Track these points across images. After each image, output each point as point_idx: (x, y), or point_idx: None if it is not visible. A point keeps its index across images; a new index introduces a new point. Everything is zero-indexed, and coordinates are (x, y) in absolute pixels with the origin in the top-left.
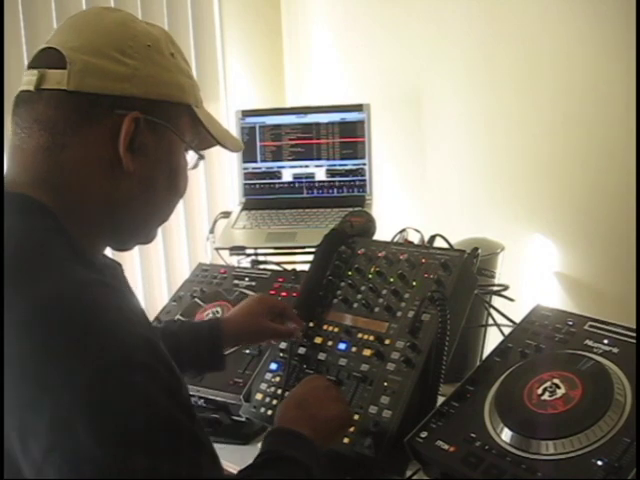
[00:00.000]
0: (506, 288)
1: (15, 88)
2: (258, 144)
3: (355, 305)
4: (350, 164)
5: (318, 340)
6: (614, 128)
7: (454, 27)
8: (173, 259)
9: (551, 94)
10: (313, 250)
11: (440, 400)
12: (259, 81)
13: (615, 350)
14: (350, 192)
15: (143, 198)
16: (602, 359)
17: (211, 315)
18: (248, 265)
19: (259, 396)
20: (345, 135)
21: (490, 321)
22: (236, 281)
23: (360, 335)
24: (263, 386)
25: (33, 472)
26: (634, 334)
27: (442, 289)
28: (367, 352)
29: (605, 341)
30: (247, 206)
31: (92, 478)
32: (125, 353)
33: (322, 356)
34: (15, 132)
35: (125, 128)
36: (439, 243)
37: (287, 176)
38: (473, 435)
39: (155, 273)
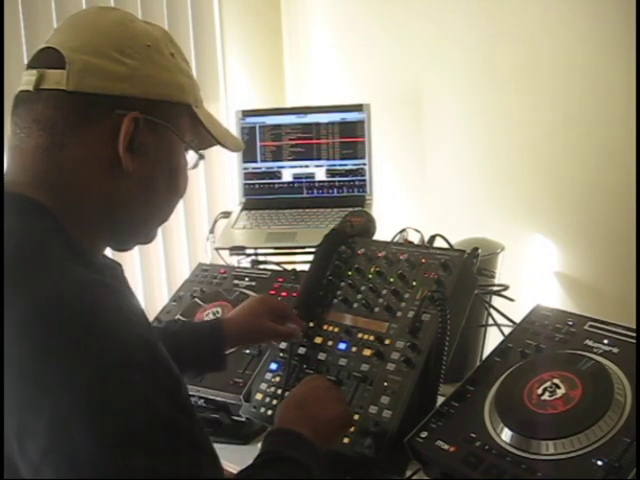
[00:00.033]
0: (506, 288)
1: (15, 88)
2: (258, 144)
3: (355, 305)
4: (350, 164)
5: (318, 340)
6: (614, 128)
7: (454, 27)
8: (173, 259)
9: (551, 94)
10: (313, 250)
11: (440, 400)
12: (259, 81)
13: (615, 350)
14: (350, 192)
15: (143, 198)
16: (602, 359)
17: (211, 315)
18: (248, 265)
19: (259, 396)
20: (345, 135)
21: (490, 321)
22: (236, 281)
23: (360, 335)
24: (263, 386)
25: (31, 472)
26: (634, 334)
27: (442, 289)
28: (367, 352)
29: (605, 341)
30: (247, 206)
31: (91, 478)
32: (125, 353)
33: (322, 356)
34: (14, 132)
35: (124, 128)
36: (439, 243)
37: (287, 176)
38: (473, 435)
39: (155, 273)
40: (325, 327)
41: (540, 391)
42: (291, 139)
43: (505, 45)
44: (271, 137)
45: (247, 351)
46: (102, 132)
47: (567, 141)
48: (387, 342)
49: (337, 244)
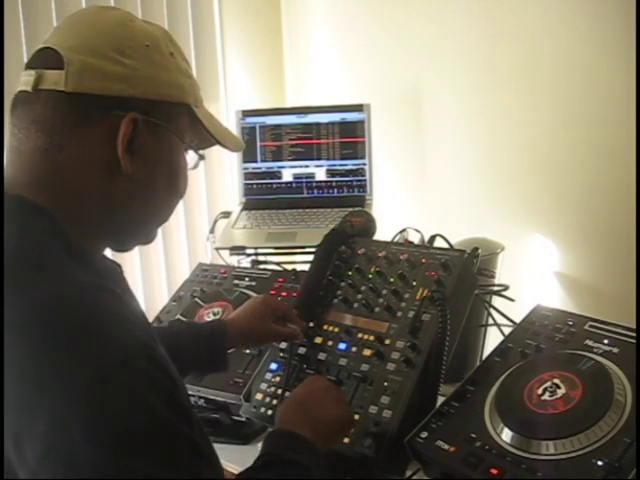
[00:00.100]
0: (506, 288)
1: (15, 88)
2: (258, 144)
3: (355, 305)
4: (350, 164)
5: (318, 340)
6: (614, 128)
7: (454, 27)
8: (173, 259)
9: (551, 94)
10: (313, 250)
11: (440, 400)
12: (259, 81)
13: (615, 350)
14: (350, 192)
15: (142, 199)
16: (602, 359)
17: (211, 315)
18: (248, 265)
19: (259, 396)
20: (345, 135)
21: (490, 321)
22: (236, 281)
23: (360, 335)
24: (263, 386)
25: (29, 473)
26: (634, 334)
27: (442, 289)
28: (367, 352)
29: (605, 341)
30: (247, 206)
31: (89, 479)
32: (124, 356)
33: (322, 356)
34: (13, 133)
35: (123, 129)
36: (439, 243)
37: (287, 176)
38: (473, 435)
39: (155, 273)
40: (325, 327)
41: (540, 391)
42: (291, 139)
43: (505, 45)
44: (271, 137)
45: (247, 351)
46: (101, 133)
47: (567, 141)
48: (387, 342)
49: (337, 244)
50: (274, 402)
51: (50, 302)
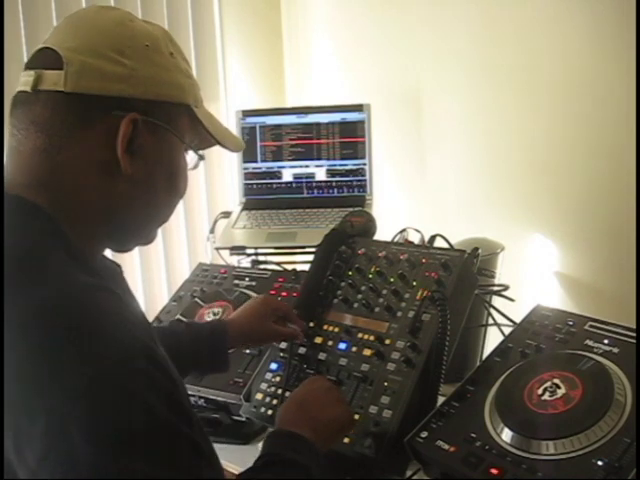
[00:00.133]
0: (506, 288)
1: (15, 88)
2: (258, 144)
3: (355, 305)
4: (350, 164)
5: (318, 340)
6: (614, 128)
7: (454, 27)
8: (173, 259)
9: (551, 94)
10: (313, 250)
11: (440, 400)
12: (259, 81)
13: (615, 350)
14: (350, 192)
15: (142, 199)
16: (602, 359)
17: (211, 315)
18: (248, 265)
19: (259, 396)
20: (345, 135)
21: (490, 321)
22: (236, 281)
23: (360, 335)
24: (263, 386)
25: (28, 474)
26: (634, 334)
27: (442, 289)
28: (367, 352)
29: (605, 341)
30: (247, 206)
31: (89, 479)
32: (123, 357)
33: (322, 356)
34: (12, 133)
35: (123, 130)
36: (439, 243)
37: (287, 176)
38: (473, 435)
39: (155, 273)
40: (325, 327)
41: (540, 391)
42: (291, 139)
43: (504, 45)
44: (271, 137)
45: (247, 351)
46: (100, 133)
47: (567, 141)
48: (387, 342)
49: (337, 244)
50: (274, 402)
51: (50, 302)
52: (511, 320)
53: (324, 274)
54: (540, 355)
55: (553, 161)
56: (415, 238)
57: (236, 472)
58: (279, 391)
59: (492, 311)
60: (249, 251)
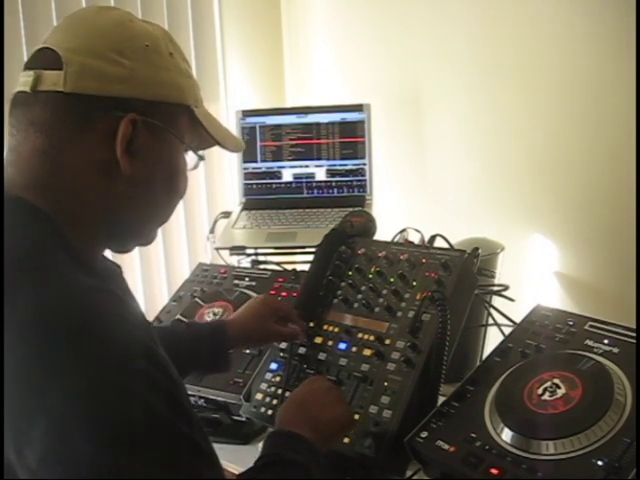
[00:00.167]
0: (506, 288)
1: (14, 88)
2: (258, 144)
3: (355, 305)
4: (350, 164)
5: (318, 340)
6: (614, 128)
7: (454, 27)
8: (173, 259)
9: (551, 94)
10: (313, 250)
11: (440, 400)
12: (259, 81)
13: (615, 350)
14: (350, 192)
15: (142, 200)
16: (602, 359)
17: (211, 315)
18: (248, 265)
19: (259, 396)
20: (345, 135)
21: (490, 321)
22: (236, 281)
23: (360, 335)
24: (263, 386)
25: (28, 474)
26: (634, 334)
27: (442, 289)
28: (367, 352)
29: (605, 341)
30: (247, 206)
31: (89, 479)
32: (124, 358)
33: (322, 356)
34: (11, 134)
35: (122, 130)
36: (439, 243)
37: (287, 176)
38: (473, 435)
39: (155, 273)
40: (325, 327)
41: (540, 391)
42: (291, 139)
43: (504, 45)
44: (271, 137)
45: (247, 351)
46: (100, 134)
47: (567, 141)
48: (387, 342)
49: (337, 244)
50: (274, 402)
51: (50, 303)
52: (511, 320)
53: (324, 274)
54: (540, 355)
55: (553, 161)
56: (415, 238)
57: (236, 472)
58: (279, 391)
59: (492, 311)
60: (249, 251)
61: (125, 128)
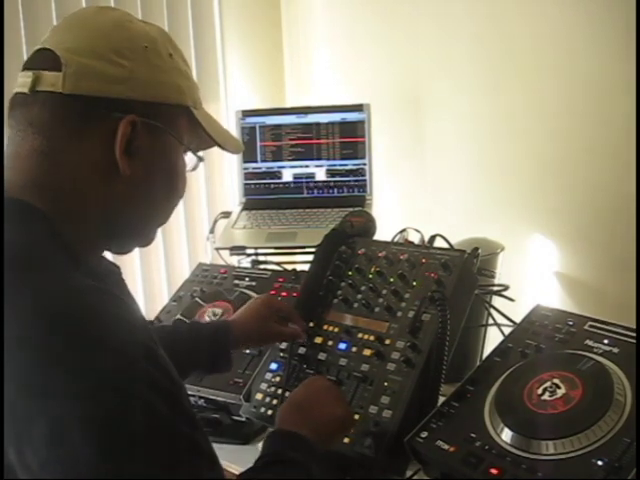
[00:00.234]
0: (506, 288)
1: (14, 89)
2: (258, 144)
3: (355, 305)
4: (350, 164)
5: (318, 340)
6: (614, 128)
7: (454, 27)
8: (173, 259)
9: (551, 94)
10: (313, 250)
11: (440, 400)
12: (259, 81)
13: (615, 350)
14: (350, 192)
15: (141, 201)
16: (602, 359)
17: (211, 315)
18: (248, 265)
19: (259, 396)
20: (345, 135)
21: (490, 321)
22: (236, 281)
23: (360, 335)
24: (263, 386)
25: (29, 475)
26: (634, 334)
27: (442, 289)
28: (367, 352)
29: (605, 341)
30: (247, 206)
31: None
32: (124, 357)
33: (322, 356)
34: (10, 134)
35: (121, 131)
36: (439, 243)
37: (287, 176)
38: (473, 435)
39: (155, 273)
40: (325, 327)
41: (540, 391)
42: (291, 139)
43: (505, 45)
44: (271, 137)
45: (247, 351)
46: (99, 135)
47: (567, 141)
48: (387, 342)
49: (337, 244)
50: (274, 402)
51: (49, 304)
52: (511, 320)
53: (324, 274)
54: (540, 355)
55: (553, 161)
56: (415, 238)
57: (236, 472)
58: (279, 391)
59: (492, 311)
60: (249, 251)
61: (124, 129)
